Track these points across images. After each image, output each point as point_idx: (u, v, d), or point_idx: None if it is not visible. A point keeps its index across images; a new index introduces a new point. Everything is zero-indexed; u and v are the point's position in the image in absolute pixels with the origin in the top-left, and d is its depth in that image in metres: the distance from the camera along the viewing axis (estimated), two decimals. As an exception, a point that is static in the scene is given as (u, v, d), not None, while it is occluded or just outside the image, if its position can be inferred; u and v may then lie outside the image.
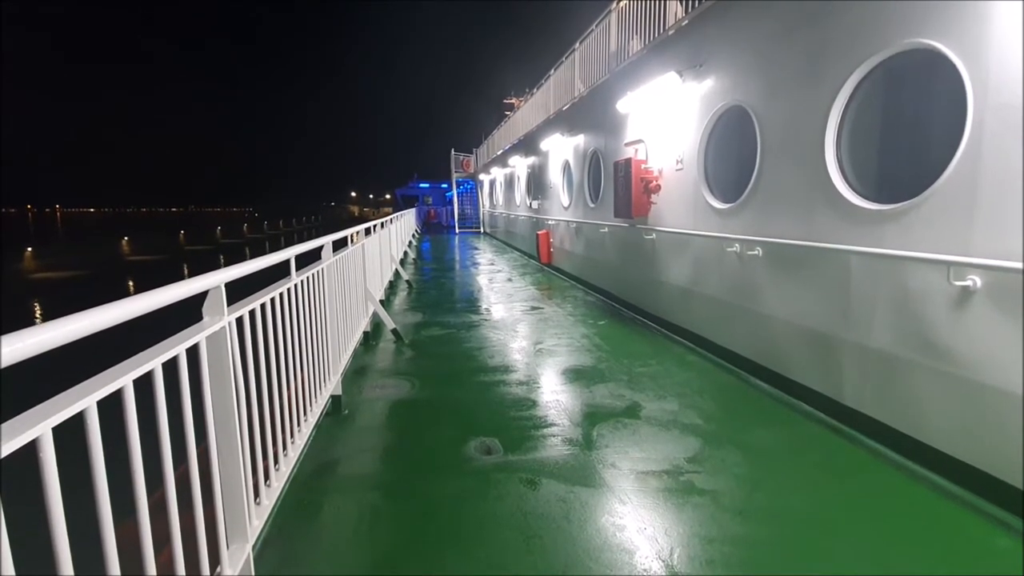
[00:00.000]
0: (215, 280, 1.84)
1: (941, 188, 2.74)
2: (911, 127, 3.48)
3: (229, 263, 2.05)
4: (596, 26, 8.03)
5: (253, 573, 1.99)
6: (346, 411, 3.69)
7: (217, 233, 44.52)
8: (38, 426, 1.01)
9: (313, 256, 3.49)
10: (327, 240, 3.78)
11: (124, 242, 35.46)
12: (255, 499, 2.11)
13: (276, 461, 2.41)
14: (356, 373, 4.53)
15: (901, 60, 3.10)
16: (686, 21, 5.24)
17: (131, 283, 26.32)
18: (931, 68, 2.93)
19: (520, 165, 14.79)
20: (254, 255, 2.35)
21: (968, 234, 2.60)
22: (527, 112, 14.30)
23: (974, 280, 2.55)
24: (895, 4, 3.00)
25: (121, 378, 1.28)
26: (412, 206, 28.17)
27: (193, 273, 1.66)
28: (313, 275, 3.18)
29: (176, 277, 1.67)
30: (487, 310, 7.21)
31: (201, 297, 1.82)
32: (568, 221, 9.69)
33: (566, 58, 9.89)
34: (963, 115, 2.62)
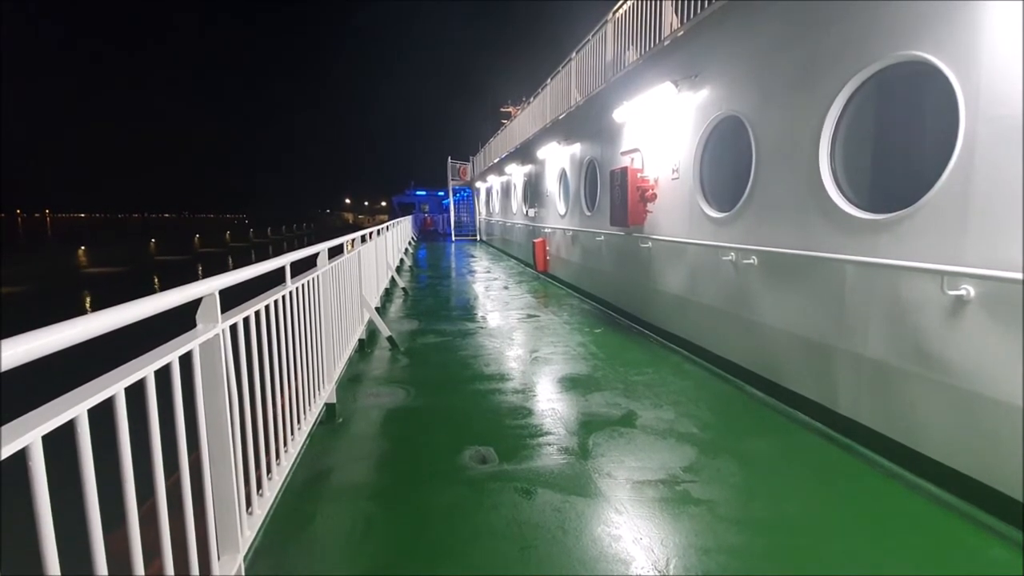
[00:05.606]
0: (209, 287, 1.83)
1: (934, 198, 2.76)
2: (905, 137, 3.52)
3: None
4: (592, 36, 8.10)
5: None
6: (340, 419, 3.67)
7: (195, 241, 41.17)
8: (27, 435, 0.99)
9: (308, 263, 3.48)
10: (322, 247, 3.77)
11: (81, 252, 29.55)
12: (247, 509, 2.09)
13: (269, 470, 2.39)
14: (351, 381, 4.51)
15: (894, 71, 3.14)
16: (682, 32, 5.29)
17: (87, 300, 21.96)
18: (924, 79, 2.96)
19: (517, 173, 14.84)
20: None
21: (961, 244, 2.62)
22: (524, 120, 14.35)
23: (967, 290, 2.56)
24: (888, 16, 3.04)
25: (113, 386, 1.27)
26: (409, 214, 28.22)
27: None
28: (308, 282, 3.16)
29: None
30: (483, 318, 7.20)
31: (195, 304, 1.81)
32: (564, 229, 9.71)
33: (563, 67, 9.96)
34: (955, 126, 2.65)
